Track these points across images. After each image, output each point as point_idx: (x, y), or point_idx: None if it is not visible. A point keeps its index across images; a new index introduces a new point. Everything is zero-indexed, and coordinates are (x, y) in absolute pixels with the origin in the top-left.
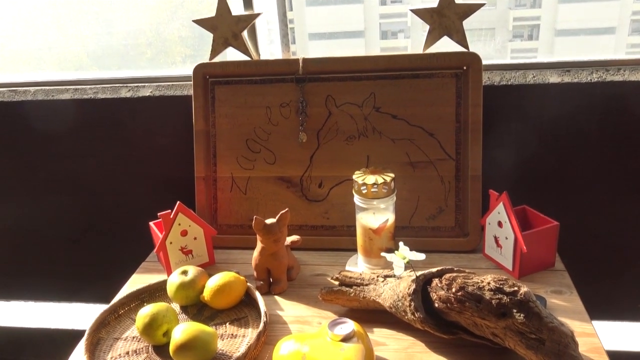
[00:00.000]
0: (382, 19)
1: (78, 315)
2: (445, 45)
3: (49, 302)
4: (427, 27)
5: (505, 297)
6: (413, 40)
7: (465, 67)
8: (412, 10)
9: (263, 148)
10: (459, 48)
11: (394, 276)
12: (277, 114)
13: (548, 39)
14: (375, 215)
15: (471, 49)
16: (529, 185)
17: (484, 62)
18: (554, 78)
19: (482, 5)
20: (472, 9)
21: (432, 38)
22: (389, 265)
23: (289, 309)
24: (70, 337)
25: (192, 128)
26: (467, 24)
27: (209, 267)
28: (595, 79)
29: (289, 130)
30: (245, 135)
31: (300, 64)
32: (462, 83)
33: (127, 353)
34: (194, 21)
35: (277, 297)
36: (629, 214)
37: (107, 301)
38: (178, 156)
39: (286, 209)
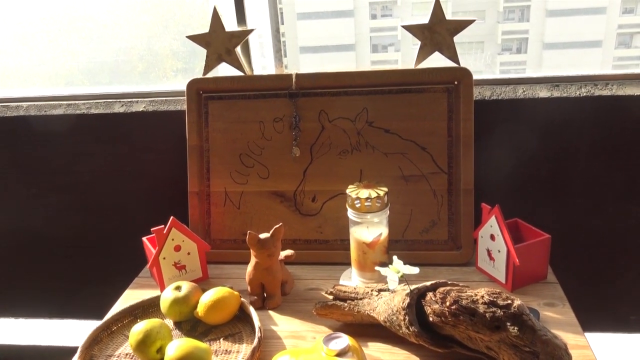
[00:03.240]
0: (372, 32)
1: (70, 332)
2: (437, 60)
3: (40, 318)
4: (418, 40)
5: (499, 311)
6: (403, 53)
7: (456, 82)
8: (404, 27)
9: (256, 163)
10: (450, 63)
11: (388, 290)
12: (270, 128)
13: (536, 52)
14: (368, 229)
15: (461, 62)
16: (521, 198)
17: (475, 76)
18: (543, 93)
19: (472, 21)
20: (462, 25)
21: (423, 53)
22: (383, 279)
23: (283, 324)
24: (62, 355)
25: (185, 143)
26: (457, 37)
27: (203, 283)
28: (584, 94)
29: (282, 145)
30: (239, 150)
31: (294, 79)
32: (453, 98)
33: None
34: (187, 37)
35: (271, 312)
36: (619, 224)
37: (100, 317)
38: (171, 171)
39: (280, 224)
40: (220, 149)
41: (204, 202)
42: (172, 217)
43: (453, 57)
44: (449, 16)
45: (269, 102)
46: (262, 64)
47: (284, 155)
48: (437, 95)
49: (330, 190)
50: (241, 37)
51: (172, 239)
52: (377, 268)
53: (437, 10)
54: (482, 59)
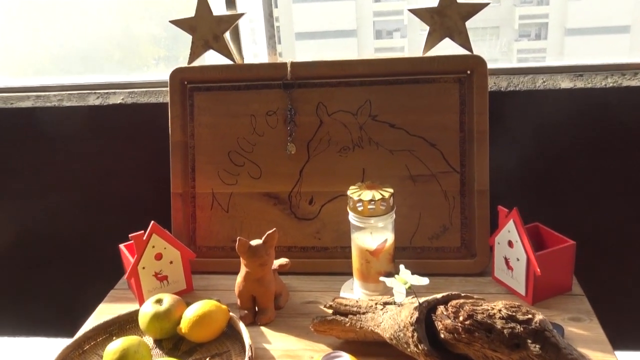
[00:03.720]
0: (376, 16)
1: (37, 351)
2: (447, 47)
3: (3, 336)
4: (426, 25)
5: (518, 326)
6: (410, 40)
7: (469, 72)
8: (411, 10)
9: (247, 161)
10: (462, 50)
11: (395, 303)
12: (262, 123)
13: (557, 38)
14: (372, 235)
15: (474, 50)
16: (542, 200)
17: (489, 65)
18: (565, 83)
19: (486, 4)
20: (475, 8)
21: (432, 40)
22: (388, 291)
23: (277, 342)
24: None
25: (168, 139)
26: (469, 22)
27: (187, 295)
28: (611, 84)
29: (276, 141)
30: (228, 147)
31: (289, 68)
32: (465, 89)
33: None
34: (171, 22)
35: (263, 328)
36: None
37: (71, 335)
38: (152, 170)
39: (273, 229)
40: (207, 146)
41: (189, 204)
42: (152, 222)
43: (465, 43)
44: None
45: (261, 94)
46: (254, 51)
47: (278, 152)
48: (447, 86)
49: (329, 191)
50: (230, 21)
51: (153, 246)
52: (381, 279)
53: None
54: (498, 46)
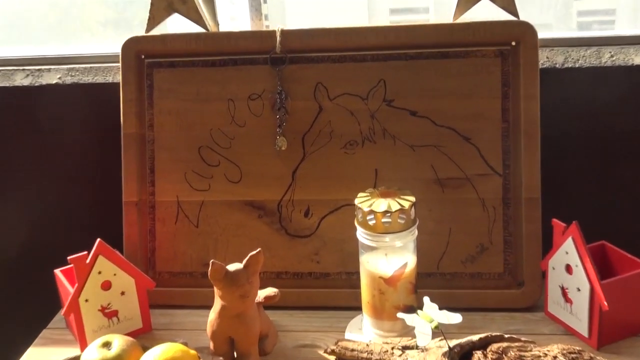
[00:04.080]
0: None
1: None
2: (485, 11)
3: None
4: None
5: None
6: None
7: (514, 43)
8: None
9: (224, 160)
10: (505, 15)
11: (417, 348)
12: (243, 110)
13: None
14: (388, 258)
15: (521, 15)
16: (609, 212)
17: (541, 34)
18: None
19: None
20: None
21: (466, 1)
22: (409, 331)
23: None
24: None
25: (119, 131)
26: None
27: (144, 336)
28: None
29: (261, 134)
30: (198, 141)
31: (278, 38)
32: (509, 65)
33: None
34: None
35: None
36: None
37: None
38: (98, 172)
39: (258, 250)
40: (171, 140)
41: (146, 217)
42: (98, 240)
43: (509, 6)
44: None
45: (242, 72)
46: (231, 14)
47: (264, 148)
48: (486, 62)
49: (331, 200)
50: None
51: (99, 272)
52: (399, 315)
53: None
54: (552, 9)
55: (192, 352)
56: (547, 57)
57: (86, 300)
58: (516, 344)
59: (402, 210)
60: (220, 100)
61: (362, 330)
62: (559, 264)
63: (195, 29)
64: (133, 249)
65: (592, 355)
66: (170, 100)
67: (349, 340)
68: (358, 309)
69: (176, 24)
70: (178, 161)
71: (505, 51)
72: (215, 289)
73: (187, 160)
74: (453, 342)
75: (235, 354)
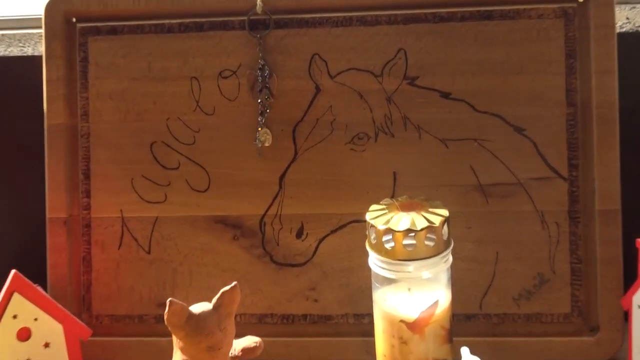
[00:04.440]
0: None
1: None
2: None
3: None
4: None
5: None
6: None
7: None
8: None
9: (185, 160)
10: None
11: None
12: (212, 92)
13: None
14: (412, 294)
15: None
16: None
17: None
18: None
19: None
20: None
21: None
22: None
23: None
24: None
25: (41, 120)
26: None
27: None
28: None
29: (236, 125)
30: (150, 136)
31: None
32: (576, 29)
33: None
34: None
35: None
36: None
37: None
38: (13, 177)
39: (232, 284)
40: (113, 134)
41: (79, 239)
42: (13, 272)
43: None
44: None
45: (211, 40)
46: None
47: (241, 145)
48: (544, 25)
49: (332, 214)
50: None
51: (14, 316)
52: None
53: None
54: None
55: None
56: (628, 18)
57: None
58: None
59: (430, 228)
60: (180, 78)
61: None
62: None
63: None
64: (61, 283)
65: None
66: (112, 79)
67: None
68: None
69: None
70: (122, 163)
71: (570, 10)
72: (175, 339)
73: (135, 162)
74: None
75: None
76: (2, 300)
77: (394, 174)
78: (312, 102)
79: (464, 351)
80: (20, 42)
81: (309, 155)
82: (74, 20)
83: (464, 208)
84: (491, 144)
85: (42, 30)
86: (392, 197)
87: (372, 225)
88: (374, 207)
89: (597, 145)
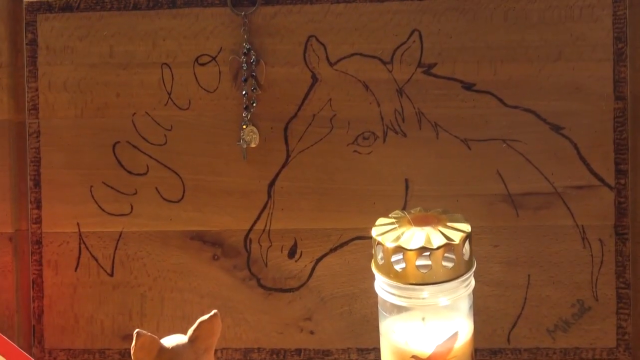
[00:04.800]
0: None
1: None
2: None
3: None
4: None
5: None
6: None
7: None
8: None
9: (155, 164)
10: None
11: None
12: (187, 81)
13: None
14: (426, 325)
15: None
16: None
17: None
18: None
19: None
20: None
21: None
22: None
23: None
24: None
25: None
26: None
27: None
28: None
29: (216, 122)
30: (113, 135)
31: None
32: (626, 7)
33: None
34: None
35: None
36: None
37: None
38: None
39: (212, 312)
40: (68, 132)
41: (27, 259)
42: None
43: None
44: None
45: (185, 19)
46: None
47: (222, 146)
48: (587, 2)
49: (331, 230)
50: None
51: None
52: None
53: None
54: None
55: None
56: None
57: None
58: None
59: (449, 246)
60: (148, 65)
61: None
62: None
63: None
64: (7, 312)
65: None
66: (67, 66)
67: None
68: None
69: None
70: (80, 167)
71: None
72: None
73: (95, 166)
74: None
75: None
76: None
77: (406, 181)
78: (307, 94)
79: None
80: None
81: (303, 159)
82: None
83: (490, 222)
84: (523, 146)
85: None
86: (404, 209)
87: (379, 243)
88: (381, 220)
89: None
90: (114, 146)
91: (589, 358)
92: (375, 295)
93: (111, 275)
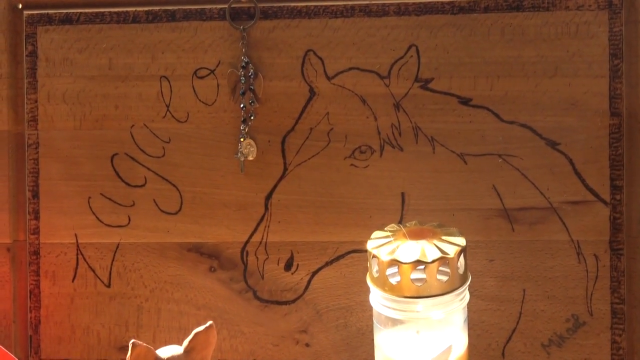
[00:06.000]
0: None
1: None
2: None
3: None
4: None
5: None
6: None
7: None
8: None
9: (153, 176)
10: None
11: None
12: (186, 94)
13: None
14: (421, 338)
15: None
16: None
17: None
18: None
19: None
20: None
21: None
22: None
23: None
24: None
25: None
26: None
27: None
28: None
29: (214, 135)
30: (111, 146)
31: None
32: (622, 24)
33: None
34: None
35: None
36: None
37: None
38: None
39: (208, 324)
40: (67, 144)
41: (25, 270)
42: None
43: None
44: None
45: (184, 32)
46: None
47: (219, 158)
48: (584, 18)
49: (328, 243)
50: None
51: None
52: None
53: None
54: None
55: None
56: None
57: None
58: None
59: (444, 260)
60: (147, 78)
61: None
62: None
63: None
64: (4, 322)
65: None
66: (66, 78)
67: None
68: None
69: None
70: (78, 178)
71: (616, 0)
72: None
73: (93, 177)
74: None
75: None
76: None
77: (403, 195)
78: (305, 108)
79: None
80: None
81: (300, 172)
82: (20, 6)
83: (485, 237)
84: (519, 161)
85: None
86: (400, 222)
87: (375, 256)
88: (376, 234)
89: None
90: (112, 158)
91: None
92: (370, 308)
93: (108, 286)
